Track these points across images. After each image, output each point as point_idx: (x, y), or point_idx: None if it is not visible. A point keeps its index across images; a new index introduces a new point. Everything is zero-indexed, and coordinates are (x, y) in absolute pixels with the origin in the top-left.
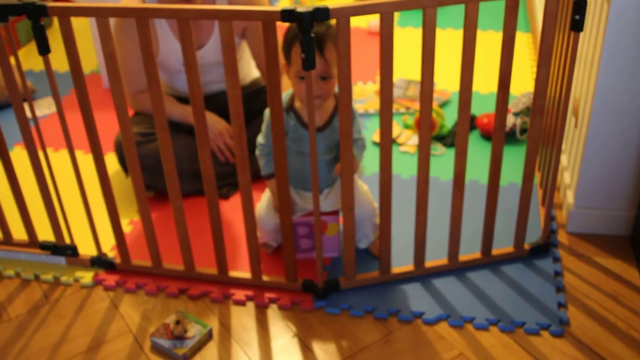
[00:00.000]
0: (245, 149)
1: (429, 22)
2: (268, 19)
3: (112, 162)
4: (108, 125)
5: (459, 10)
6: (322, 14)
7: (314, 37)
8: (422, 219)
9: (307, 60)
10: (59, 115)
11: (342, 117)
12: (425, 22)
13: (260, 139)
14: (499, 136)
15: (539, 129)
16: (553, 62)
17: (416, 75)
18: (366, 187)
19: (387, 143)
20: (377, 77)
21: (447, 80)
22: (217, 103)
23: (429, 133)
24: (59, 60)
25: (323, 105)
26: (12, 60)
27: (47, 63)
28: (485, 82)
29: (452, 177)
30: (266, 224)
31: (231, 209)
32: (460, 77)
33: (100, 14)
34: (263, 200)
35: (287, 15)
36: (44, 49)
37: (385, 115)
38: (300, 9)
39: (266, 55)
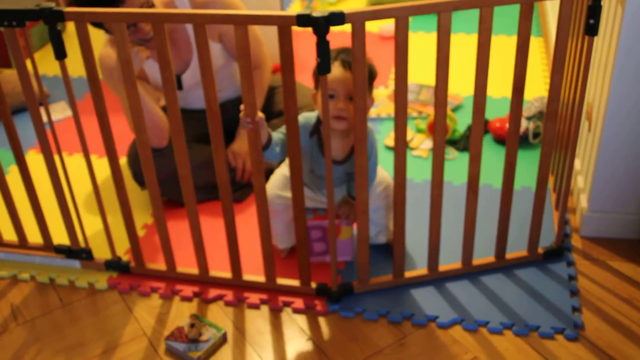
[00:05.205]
0: (260, 152)
1: (444, 27)
2: (284, 24)
3: (126, 166)
4: (121, 130)
5: (470, 14)
6: (337, 18)
7: (346, 59)
8: (436, 223)
9: (323, 64)
10: (75, 119)
11: (357, 122)
12: (440, 26)
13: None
14: (513, 140)
15: (552, 133)
16: (567, 66)
17: (428, 79)
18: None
19: (401, 147)
20: (389, 82)
21: (459, 85)
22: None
23: (443, 137)
24: (72, 65)
25: (346, 139)
26: (28, 64)
27: (63, 67)
28: (497, 87)
29: (465, 181)
30: (276, 205)
31: (245, 212)
32: (475, 81)
33: (116, 19)
34: (275, 180)
35: (302, 19)
36: (60, 54)
37: (400, 119)
38: (315, 14)
39: (281, 59)
